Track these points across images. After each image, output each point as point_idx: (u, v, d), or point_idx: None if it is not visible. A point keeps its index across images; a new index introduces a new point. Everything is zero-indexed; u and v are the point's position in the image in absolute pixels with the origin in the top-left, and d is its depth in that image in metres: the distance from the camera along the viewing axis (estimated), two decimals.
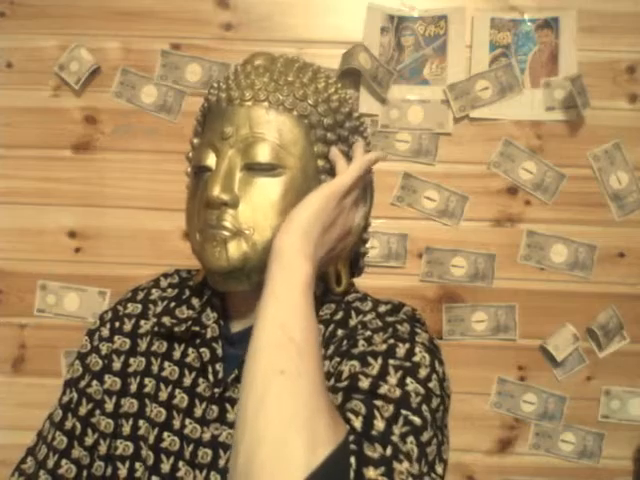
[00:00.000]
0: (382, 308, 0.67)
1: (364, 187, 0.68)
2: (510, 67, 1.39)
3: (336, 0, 1.41)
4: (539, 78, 1.39)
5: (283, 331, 0.51)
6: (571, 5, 1.38)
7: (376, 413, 0.52)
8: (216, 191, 0.61)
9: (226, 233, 0.61)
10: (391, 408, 0.53)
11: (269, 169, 0.62)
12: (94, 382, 0.71)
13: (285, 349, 0.50)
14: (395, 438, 0.51)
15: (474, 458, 1.43)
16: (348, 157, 0.67)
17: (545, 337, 1.41)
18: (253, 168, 0.62)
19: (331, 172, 0.65)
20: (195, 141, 0.69)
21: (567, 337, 1.40)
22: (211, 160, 0.64)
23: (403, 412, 0.53)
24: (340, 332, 0.65)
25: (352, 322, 0.66)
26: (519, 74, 1.39)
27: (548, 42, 1.39)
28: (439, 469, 0.55)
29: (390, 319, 0.65)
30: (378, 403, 0.53)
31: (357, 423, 0.50)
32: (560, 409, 1.42)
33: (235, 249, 0.61)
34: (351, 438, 0.49)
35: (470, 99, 1.39)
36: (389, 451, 0.49)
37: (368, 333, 0.62)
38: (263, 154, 0.62)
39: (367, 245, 0.75)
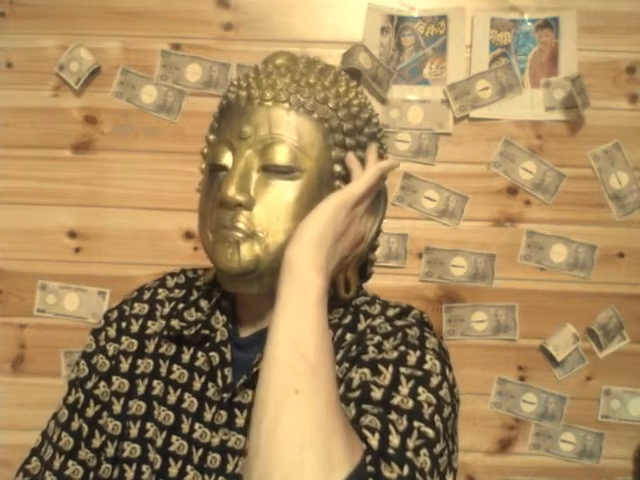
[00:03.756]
0: (391, 312, 0.67)
1: (377, 194, 0.67)
2: (510, 67, 1.39)
3: (336, 0, 1.40)
4: (539, 78, 1.39)
5: (296, 349, 0.50)
6: (571, 5, 1.38)
7: (391, 428, 0.52)
8: (232, 191, 0.60)
9: (239, 234, 0.61)
10: (405, 421, 0.53)
11: (286, 171, 0.62)
12: (101, 383, 0.71)
13: (299, 368, 0.49)
14: (410, 454, 0.51)
15: (474, 458, 1.43)
16: (364, 164, 0.66)
17: (545, 337, 1.41)
18: (270, 170, 0.62)
19: (346, 178, 0.65)
20: (211, 137, 0.68)
21: (567, 337, 1.40)
22: (227, 159, 0.63)
23: (416, 424, 0.53)
24: (349, 336, 0.65)
25: (361, 326, 0.65)
26: (519, 74, 1.39)
27: (548, 42, 1.39)
28: (449, 479, 0.55)
29: (399, 323, 0.64)
30: (392, 417, 0.53)
31: (373, 441, 0.50)
32: (560, 409, 1.42)
33: (247, 251, 0.61)
34: (368, 459, 0.48)
35: (470, 99, 1.39)
36: (406, 470, 0.49)
37: (378, 338, 0.62)
38: (281, 156, 0.62)
39: (376, 252, 0.74)
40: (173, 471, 0.64)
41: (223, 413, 0.64)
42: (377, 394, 0.55)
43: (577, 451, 1.43)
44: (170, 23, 1.41)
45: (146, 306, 0.74)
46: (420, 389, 0.56)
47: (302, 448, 0.45)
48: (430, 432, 0.53)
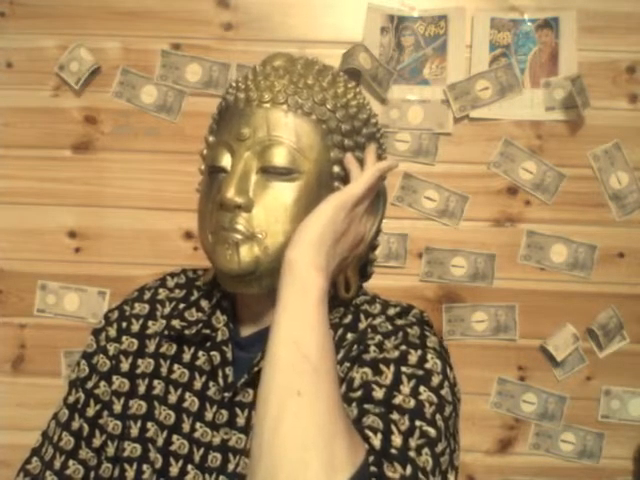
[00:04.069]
0: (391, 311, 0.67)
1: (376, 194, 0.67)
2: (510, 67, 1.39)
3: (336, 0, 1.41)
4: (539, 78, 1.39)
5: (298, 348, 0.50)
6: (571, 5, 1.38)
7: (393, 428, 0.52)
8: (231, 193, 0.60)
9: (238, 236, 0.61)
10: (406, 420, 0.53)
11: (285, 173, 0.62)
12: (102, 383, 0.71)
13: (301, 367, 0.49)
14: (412, 453, 0.51)
15: (474, 458, 1.43)
16: (363, 164, 0.66)
17: (545, 337, 1.41)
18: (268, 171, 0.62)
19: (345, 179, 0.65)
20: (210, 139, 0.68)
21: (567, 337, 1.40)
22: (226, 161, 0.63)
23: (418, 423, 0.53)
24: (350, 336, 0.65)
25: (361, 325, 0.66)
26: (519, 74, 1.39)
27: (548, 42, 1.39)
28: (451, 477, 0.56)
29: (400, 322, 0.65)
30: (394, 417, 0.53)
31: (376, 441, 0.50)
32: (560, 409, 1.42)
33: (247, 253, 0.61)
34: (371, 459, 0.48)
35: (470, 99, 1.39)
36: (409, 470, 0.49)
37: (379, 338, 0.62)
38: (279, 158, 0.62)
39: (376, 252, 0.74)
40: (174, 470, 0.64)
41: (224, 412, 0.65)
42: (378, 394, 0.55)
43: (577, 451, 1.43)
44: (170, 23, 1.41)
45: (147, 306, 0.74)
46: (421, 388, 0.56)
47: (305, 449, 0.45)
48: (432, 431, 0.53)
